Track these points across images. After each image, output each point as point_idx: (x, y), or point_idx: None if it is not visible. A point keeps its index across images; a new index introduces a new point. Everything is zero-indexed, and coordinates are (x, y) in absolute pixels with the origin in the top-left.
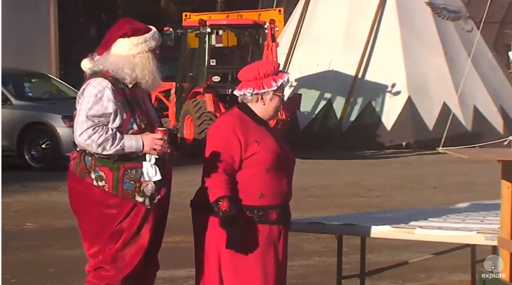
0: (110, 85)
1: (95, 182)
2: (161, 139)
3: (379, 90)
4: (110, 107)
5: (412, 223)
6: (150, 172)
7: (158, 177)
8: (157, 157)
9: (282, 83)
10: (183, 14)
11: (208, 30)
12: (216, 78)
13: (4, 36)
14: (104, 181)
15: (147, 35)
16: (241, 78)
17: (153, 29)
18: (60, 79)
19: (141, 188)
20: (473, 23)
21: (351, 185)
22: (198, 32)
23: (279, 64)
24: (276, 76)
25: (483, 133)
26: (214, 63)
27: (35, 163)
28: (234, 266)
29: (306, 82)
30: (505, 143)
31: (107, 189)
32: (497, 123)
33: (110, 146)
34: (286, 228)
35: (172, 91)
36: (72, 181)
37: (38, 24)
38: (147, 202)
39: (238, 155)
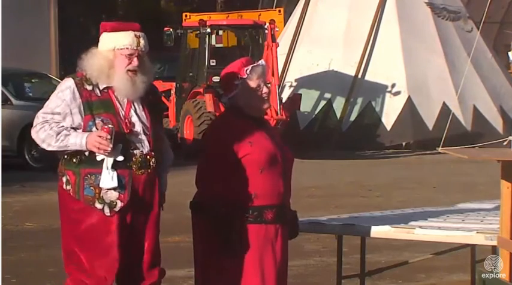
0: (73, 86)
1: (64, 186)
2: (100, 136)
3: (379, 90)
4: (60, 107)
5: (412, 223)
6: (106, 178)
7: (114, 184)
8: (112, 162)
9: (240, 81)
10: (183, 14)
11: (208, 30)
12: (216, 78)
13: (4, 36)
14: (70, 185)
15: (119, 33)
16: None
17: (133, 31)
18: (60, 79)
19: (101, 195)
20: (473, 23)
21: (351, 185)
22: (198, 32)
23: (243, 61)
24: (238, 73)
25: (483, 133)
26: (214, 63)
27: (35, 163)
28: (231, 267)
29: (306, 82)
30: (505, 143)
31: (71, 193)
32: (497, 123)
33: (54, 143)
34: (285, 227)
35: (172, 91)
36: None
37: (38, 24)
38: (106, 209)
39: (231, 157)
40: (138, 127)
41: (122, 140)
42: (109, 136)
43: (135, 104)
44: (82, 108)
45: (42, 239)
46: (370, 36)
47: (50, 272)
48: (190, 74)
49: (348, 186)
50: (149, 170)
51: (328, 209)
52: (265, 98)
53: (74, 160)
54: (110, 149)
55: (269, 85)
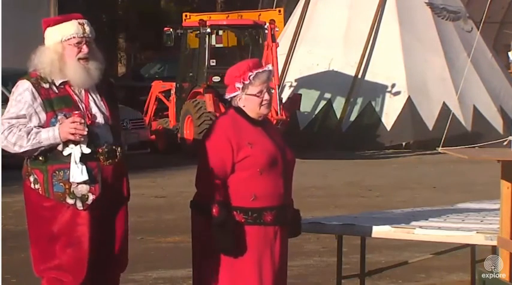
0: (31, 86)
1: (32, 185)
2: (74, 122)
3: (379, 90)
4: (24, 109)
5: (412, 223)
6: (75, 172)
7: (84, 177)
8: (80, 155)
9: (244, 84)
10: (183, 14)
11: (208, 30)
12: (216, 78)
13: (4, 36)
14: (38, 184)
15: (63, 25)
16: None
17: (75, 19)
18: None
19: (71, 190)
20: (473, 23)
21: (351, 185)
22: (198, 32)
23: (249, 64)
24: (242, 76)
25: (483, 133)
26: (214, 63)
27: None
28: (229, 268)
29: (306, 82)
30: (505, 143)
31: (41, 192)
32: (497, 123)
33: (26, 143)
34: (284, 229)
35: (173, 92)
36: (23, 183)
37: (38, 24)
38: (78, 203)
39: (230, 158)
40: (100, 119)
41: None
42: (82, 120)
43: (93, 95)
44: (43, 106)
45: None
46: (370, 36)
47: None
48: (190, 74)
49: (348, 186)
50: (116, 160)
51: (328, 209)
52: (265, 104)
53: (40, 158)
54: (86, 132)
55: (272, 91)
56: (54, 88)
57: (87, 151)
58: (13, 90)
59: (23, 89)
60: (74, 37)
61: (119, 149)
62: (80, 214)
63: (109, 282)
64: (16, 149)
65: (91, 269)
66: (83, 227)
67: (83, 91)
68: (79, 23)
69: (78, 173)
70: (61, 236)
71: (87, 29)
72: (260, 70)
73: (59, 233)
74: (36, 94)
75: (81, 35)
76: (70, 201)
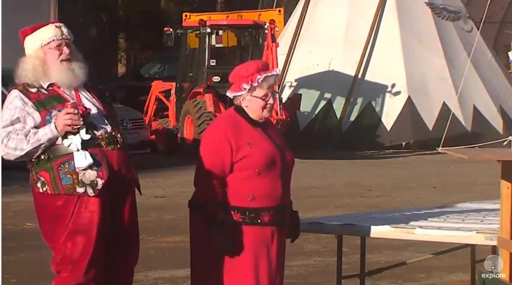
0: (19, 94)
1: (40, 190)
2: (68, 113)
3: (379, 90)
4: (17, 113)
5: (412, 223)
6: (79, 158)
7: (89, 161)
8: (80, 142)
9: (252, 85)
10: (183, 14)
11: (208, 30)
12: (216, 78)
13: (4, 36)
14: (46, 185)
15: (41, 30)
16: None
17: (52, 23)
18: None
19: (80, 179)
20: (473, 23)
21: (351, 185)
22: (198, 32)
23: (258, 65)
24: (250, 77)
25: (483, 133)
26: (214, 63)
27: None
28: (226, 267)
29: (306, 82)
30: (505, 143)
31: (49, 192)
32: (497, 123)
33: (27, 145)
34: (282, 230)
35: (172, 92)
36: (32, 193)
37: None
38: (89, 190)
39: (229, 158)
40: (94, 110)
41: (84, 123)
42: (76, 111)
43: (84, 93)
44: (35, 107)
45: (42, 239)
46: (370, 36)
47: (50, 272)
48: (190, 74)
49: (348, 186)
50: (118, 146)
51: (328, 209)
52: (268, 108)
53: (43, 157)
54: (81, 122)
55: (276, 95)
56: (43, 90)
57: (87, 137)
58: (6, 100)
59: (12, 97)
60: (53, 40)
61: (118, 135)
62: (89, 201)
63: (122, 275)
64: (18, 154)
65: (100, 259)
66: (91, 214)
67: (72, 90)
68: (56, 26)
69: (82, 158)
70: (72, 226)
71: (65, 31)
72: (269, 73)
73: (71, 224)
74: (26, 99)
75: (60, 37)
76: (80, 190)
